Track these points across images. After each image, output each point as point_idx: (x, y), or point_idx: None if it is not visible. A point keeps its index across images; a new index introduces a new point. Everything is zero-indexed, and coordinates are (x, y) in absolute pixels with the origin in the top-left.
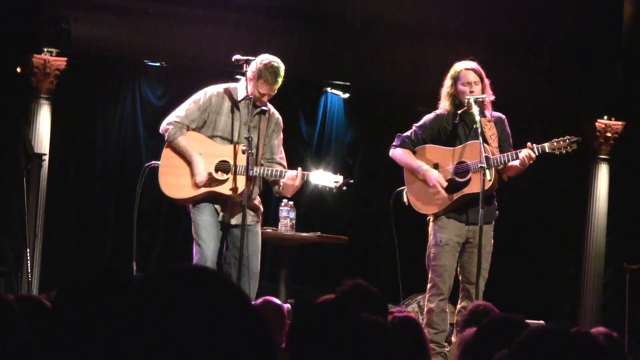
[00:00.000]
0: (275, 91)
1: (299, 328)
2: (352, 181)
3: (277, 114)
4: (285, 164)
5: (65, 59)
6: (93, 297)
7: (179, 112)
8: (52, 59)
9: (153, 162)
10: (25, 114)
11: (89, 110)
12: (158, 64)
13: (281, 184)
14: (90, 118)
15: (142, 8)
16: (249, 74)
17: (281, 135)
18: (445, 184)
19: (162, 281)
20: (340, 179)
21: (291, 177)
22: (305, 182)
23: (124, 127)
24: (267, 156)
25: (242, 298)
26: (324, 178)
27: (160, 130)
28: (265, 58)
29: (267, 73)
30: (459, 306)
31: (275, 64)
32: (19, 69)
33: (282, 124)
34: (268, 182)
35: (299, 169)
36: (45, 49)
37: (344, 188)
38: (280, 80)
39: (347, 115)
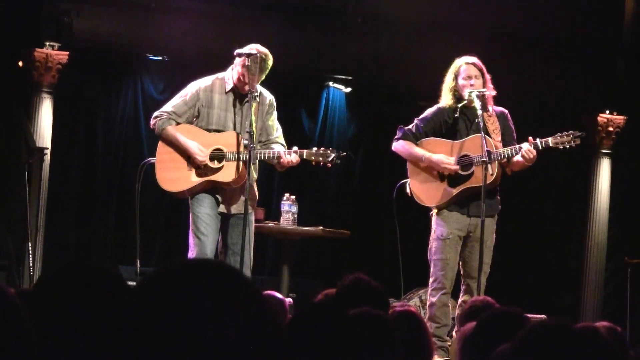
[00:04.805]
0: (258, 81)
1: (296, 327)
2: (344, 154)
3: (269, 96)
4: (282, 141)
5: (67, 53)
6: (72, 293)
7: (166, 107)
8: (54, 53)
9: (149, 158)
10: (27, 108)
11: (90, 104)
12: (160, 58)
13: (278, 162)
14: (92, 112)
15: (143, 2)
16: (235, 61)
17: (275, 114)
18: (452, 160)
19: (176, 275)
20: (332, 154)
21: (287, 160)
22: (302, 160)
23: (126, 121)
24: (264, 139)
25: (254, 290)
26: (318, 155)
27: (150, 125)
28: (253, 46)
29: (251, 63)
30: (460, 300)
31: (262, 56)
32: (20, 63)
33: (275, 103)
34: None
35: (295, 148)
36: (47, 43)
37: (338, 162)
38: (264, 67)
39: (349, 110)
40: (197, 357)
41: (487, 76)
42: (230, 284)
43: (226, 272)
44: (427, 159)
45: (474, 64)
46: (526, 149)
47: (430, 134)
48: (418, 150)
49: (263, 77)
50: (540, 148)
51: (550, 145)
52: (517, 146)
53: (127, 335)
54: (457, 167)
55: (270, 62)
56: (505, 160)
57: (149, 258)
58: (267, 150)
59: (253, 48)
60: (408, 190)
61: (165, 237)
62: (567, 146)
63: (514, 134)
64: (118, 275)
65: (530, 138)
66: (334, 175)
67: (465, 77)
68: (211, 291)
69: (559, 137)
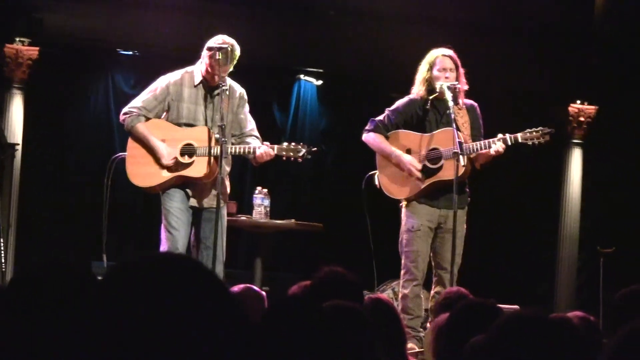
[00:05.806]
0: (227, 71)
1: (270, 320)
2: (315, 149)
3: (239, 89)
4: (257, 134)
5: (38, 48)
6: (44, 293)
7: (136, 102)
8: (24, 49)
9: (120, 153)
10: None
11: (62, 99)
12: (130, 53)
13: (254, 157)
14: (63, 107)
15: None
16: (203, 53)
17: (247, 108)
18: (419, 167)
19: (138, 269)
20: (303, 149)
21: (260, 154)
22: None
23: (97, 116)
24: (237, 132)
25: (219, 284)
26: (289, 150)
27: (120, 120)
28: (219, 38)
29: (221, 56)
30: (432, 292)
31: (227, 45)
32: None
33: (246, 96)
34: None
35: (267, 143)
36: (18, 39)
37: (309, 157)
38: (232, 57)
39: (321, 102)
40: (158, 353)
41: (461, 70)
42: (192, 278)
43: (188, 265)
44: (396, 158)
45: (450, 57)
46: (496, 148)
47: (401, 125)
48: (388, 147)
49: (231, 68)
50: (510, 144)
51: (520, 141)
52: (487, 141)
53: (88, 332)
54: (420, 175)
55: (237, 52)
56: (474, 154)
57: (124, 253)
58: (242, 145)
59: (220, 39)
60: (377, 182)
61: (140, 232)
62: (537, 142)
63: (482, 129)
64: (90, 273)
65: (500, 134)
66: (306, 169)
67: (440, 69)
68: (172, 285)
69: (527, 133)
